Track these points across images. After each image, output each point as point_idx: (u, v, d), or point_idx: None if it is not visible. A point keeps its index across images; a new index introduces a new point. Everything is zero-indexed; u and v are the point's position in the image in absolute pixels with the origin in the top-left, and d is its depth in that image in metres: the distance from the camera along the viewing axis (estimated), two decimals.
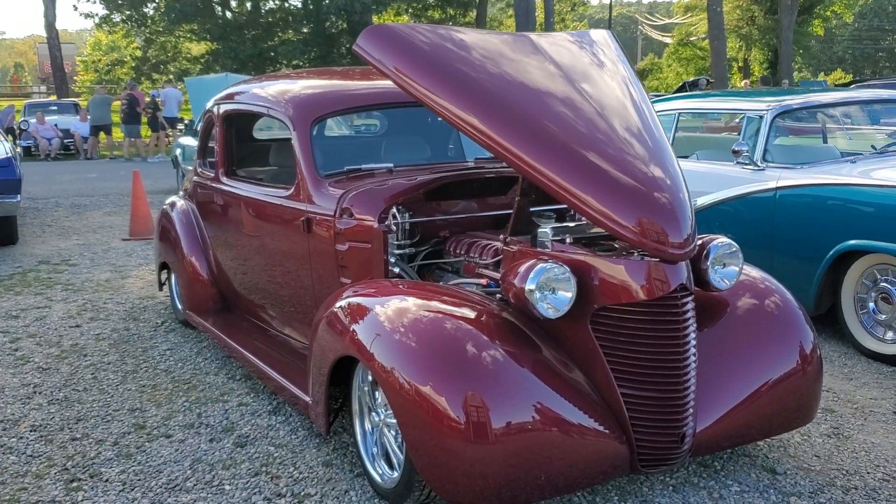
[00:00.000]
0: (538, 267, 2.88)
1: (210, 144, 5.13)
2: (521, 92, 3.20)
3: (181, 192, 5.73)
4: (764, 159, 5.46)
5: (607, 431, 2.88)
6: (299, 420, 3.94)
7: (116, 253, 8.30)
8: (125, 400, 4.26)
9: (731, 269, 3.24)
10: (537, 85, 3.25)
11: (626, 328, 2.90)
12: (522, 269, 2.95)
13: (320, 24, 32.11)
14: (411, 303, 3.12)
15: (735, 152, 5.54)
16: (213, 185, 4.80)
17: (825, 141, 6.75)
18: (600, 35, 3.73)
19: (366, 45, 3.30)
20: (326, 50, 31.48)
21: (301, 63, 31.95)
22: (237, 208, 4.54)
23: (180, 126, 20.93)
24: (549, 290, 2.90)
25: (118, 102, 21.14)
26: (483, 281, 3.40)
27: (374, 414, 3.22)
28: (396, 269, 3.65)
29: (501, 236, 3.31)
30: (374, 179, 3.90)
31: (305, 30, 32.71)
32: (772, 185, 5.29)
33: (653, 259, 2.85)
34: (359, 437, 3.35)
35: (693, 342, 2.92)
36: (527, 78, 3.26)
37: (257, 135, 5.45)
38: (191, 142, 12.10)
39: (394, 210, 3.60)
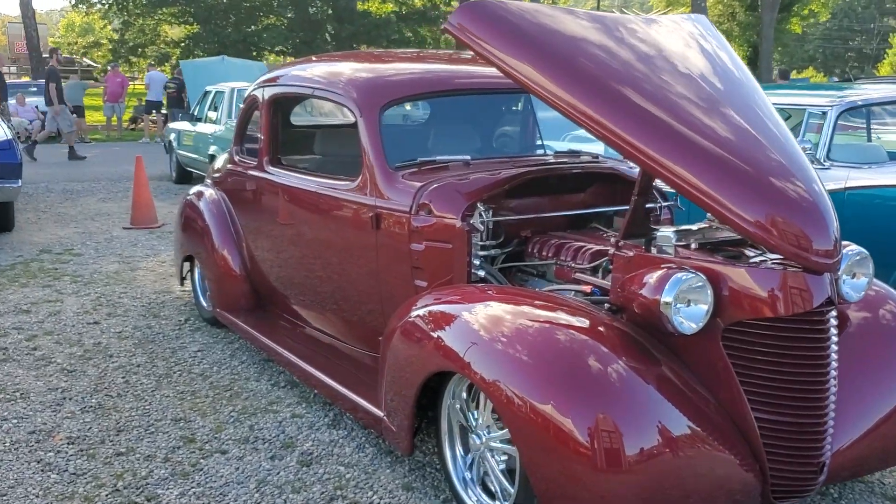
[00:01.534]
0: (675, 276, 2.57)
1: (248, 131, 4.76)
2: (640, 80, 2.87)
3: (208, 181, 5.34)
4: (828, 158, 5.20)
5: (740, 459, 2.59)
6: (364, 435, 3.60)
7: (120, 242, 7.86)
8: (165, 408, 3.90)
9: (862, 279, 2.96)
10: (655, 72, 2.93)
11: (762, 346, 2.60)
12: (653, 278, 2.64)
13: (304, 9, 31.52)
14: (516, 311, 2.81)
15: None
16: (255, 173, 4.43)
17: (869, 139, 6.52)
18: (702, 20, 3.42)
19: (464, 23, 2.96)
20: (311, 35, 30.87)
21: (285, 49, 31.35)
22: (284, 200, 4.18)
23: (164, 110, 20.41)
24: (685, 302, 2.59)
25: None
26: (587, 288, 3.09)
27: (473, 437, 2.89)
28: (481, 273, 3.33)
29: (613, 239, 2.99)
30: (450, 173, 3.56)
31: (290, 14, 32.07)
32: (840, 185, 5.03)
33: (797, 269, 2.56)
34: (448, 461, 3.03)
35: (835, 363, 2.63)
36: (644, 65, 2.95)
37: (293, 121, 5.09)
38: (186, 126, 11.64)
39: (480, 207, 3.27)
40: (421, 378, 2.94)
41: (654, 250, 2.87)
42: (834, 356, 2.62)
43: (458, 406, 2.99)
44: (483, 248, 3.34)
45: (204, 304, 5.28)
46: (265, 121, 4.30)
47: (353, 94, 3.70)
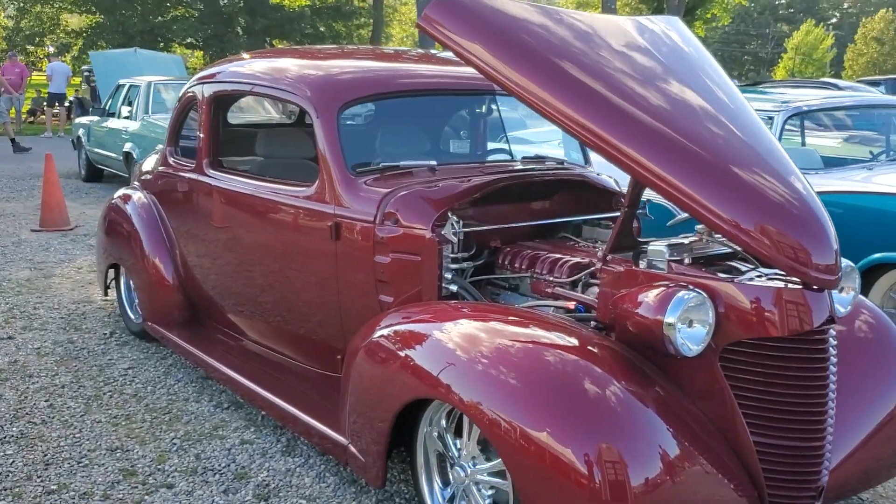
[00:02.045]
0: (679, 295, 2.41)
1: (184, 131, 4.41)
2: (626, 84, 2.72)
3: (136, 183, 4.95)
4: None
5: (738, 486, 2.46)
6: (322, 462, 3.34)
7: (30, 246, 7.31)
8: (98, 436, 3.54)
9: (850, 293, 2.88)
10: (642, 77, 2.78)
11: (760, 366, 2.47)
12: (653, 297, 2.47)
13: (215, 1, 30.54)
14: (503, 331, 2.62)
15: None
16: (193, 176, 4.08)
17: (803, 144, 6.58)
18: (675, 21, 3.29)
19: (439, 18, 2.75)
20: (222, 28, 29.90)
21: (195, 42, 30.36)
22: (228, 206, 3.86)
23: (67, 103, 19.41)
24: (686, 322, 2.44)
25: None
26: (570, 304, 2.91)
27: (456, 469, 2.67)
28: (453, 287, 3.11)
29: (600, 253, 2.82)
30: (416, 179, 3.34)
31: (200, 6, 31.00)
32: None
33: (797, 285, 2.44)
34: (425, 495, 2.81)
35: (833, 383, 2.53)
36: (629, 68, 2.79)
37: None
38: (96, 121, 11.01)
39: (452, 217, 3.05)
40: (397, 406, 2.71)
41: (642, 265, 2.71)
42: (833, 376, 2.52)
43: (435, 434, 2.77)
44: (454, 260, 3.13)
45: (132, 315, 4.90)
46: (205, 120, 3.97)
47: (308, 92, 3.42)
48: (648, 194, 4.32)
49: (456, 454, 2.68)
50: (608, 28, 2.98)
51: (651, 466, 2.29)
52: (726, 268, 2.67)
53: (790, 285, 2.45)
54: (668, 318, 2.40)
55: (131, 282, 4.76)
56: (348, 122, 3.76)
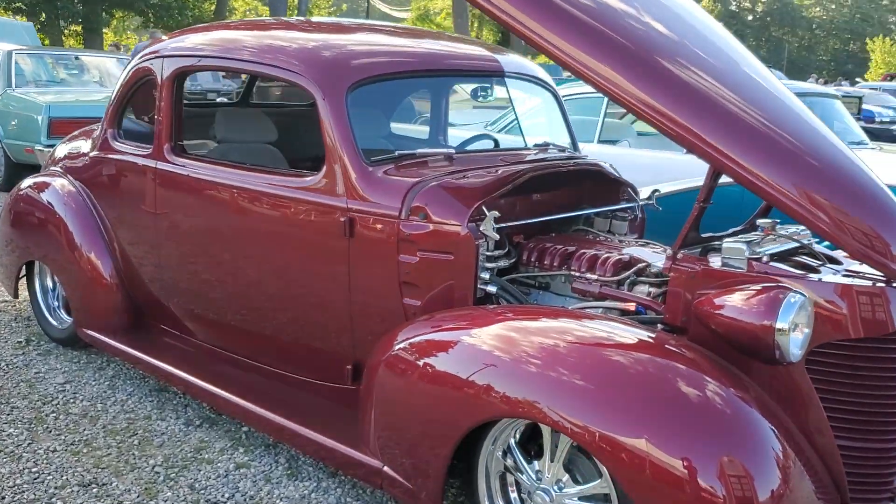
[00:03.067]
0: (790, 299, 2.26)
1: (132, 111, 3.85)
2: (700, 66, 2.55)
3: (54, 169, 4.31)
4: None
5: (828, 491, 2.38)
6: (336, 484, 2.99)
7: None
8: (62, 469, 3.02)
9: None
10: (712, 58, 2.64)
11: (847, 367, 2.39)
12: (757, 300, 2.31)
13: None
14: (578, 337, 2.40)
15: None
16: (149, 163, 3.55)
17: None
18: None
19: None
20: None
21: (22, 5, 27.79)
22: (199, 198, 3.38)
23: None
24: (794, 326, 2.30)
25: None
26: (630, 306, 2.71)
27: (540, 494, 2.40)
28: (492, 288, 2.84)
29: (671, 251, 2.63)
30: (435, 169, 3.04)
31: None
32: None
33: (882, 283, 2.37)
34: None
35: None
36: (700, 50, 2.64)
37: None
38: None
39: (493, 212, 2.78)
40: (464, 428, 2.43)
41: (715, 263, 2.56)
42: None
43: (499, 453, 2.51)
44: (489, 258, 2.86)
45: (52, 320, 4.29)
46: (166, 100, 3.45)
47: (312, 70, 3.02)
48: (657, 186, 4.21)
49: (533, 477, 2.42)
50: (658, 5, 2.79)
51: (772, 478, 2.16)
52: (796, 264, 2.57)
53: (878, 283, 2.37)
54: (780, 324, 2.24)
55: (58, 282, 4.15)
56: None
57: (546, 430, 2.37)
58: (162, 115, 3.48)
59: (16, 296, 4.48)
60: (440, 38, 3.66)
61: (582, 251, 2.94)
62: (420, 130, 5.01)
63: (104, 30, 30.88)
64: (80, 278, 3.96)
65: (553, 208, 3.18)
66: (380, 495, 2.92)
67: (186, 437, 3.32)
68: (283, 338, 3.25)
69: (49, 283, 4.37)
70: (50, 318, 4.31)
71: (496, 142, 3.80)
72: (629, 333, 2.43)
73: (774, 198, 2.38)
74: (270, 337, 3.29)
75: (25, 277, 4.42)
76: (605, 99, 6.05)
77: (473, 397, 2.40)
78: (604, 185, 3.41)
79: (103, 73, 9.86)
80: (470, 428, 2.42)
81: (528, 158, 3.31)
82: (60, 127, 7.79)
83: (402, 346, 2.70)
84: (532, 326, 2.51)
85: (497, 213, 2.78)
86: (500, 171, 3.03)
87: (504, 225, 2.85)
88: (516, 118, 3.67)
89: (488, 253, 2.84)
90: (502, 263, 2.89)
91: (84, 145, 4.13)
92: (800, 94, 5.82)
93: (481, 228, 2.78)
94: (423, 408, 2.55)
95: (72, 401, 3.62)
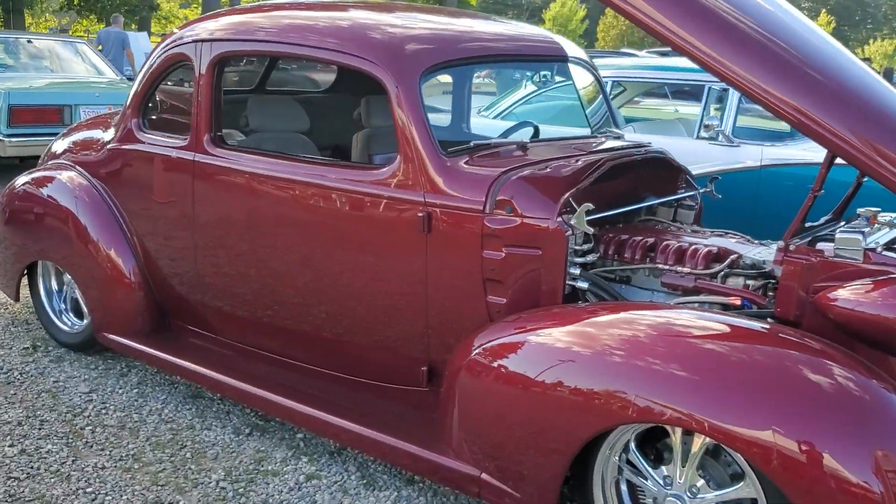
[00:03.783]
0: None
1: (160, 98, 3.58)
2: (811, 50, 2.49)
3: (63, 161, 4.00)
4: (734, 135, 5.20)
5: None
6: (416, 492, 2.85)
7: None
8: (119, 488, 2.80)
9: None
10: (813, 39, 2.58)
11: None
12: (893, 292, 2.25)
13: None
14: (690, 331, 2.36)
15: (706, 127, 5.21)
16: (186, 156, 3.30)
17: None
18: None
19: None
20: None
21: None
22: (250, 193, 3.15)
23: None
24: None
25: None
26: (735, 300, 2.62)
27: (670, 502, 2.30)
28: (582, 284, 2.73)
29: (781, 242, 2.56)
30: (513, 159, 2.90)
31: None
32: (756, 163, 5.05)
33: None
34: None
35: None
36: (803, 31, 2.57)
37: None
38: None
39: (588, 206, 2.66)
40: (583, 437, 2.32)
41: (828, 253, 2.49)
42: None
43: (615, 458, 2.41)
44: (579, 253, 2.74)
45: (61, 324, 4.00)
46: (206, 88, 3.21)
47: (383, 55, 2.83)
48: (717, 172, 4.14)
49: (661, 483, 2.32)
50: None
51: None
52: None
53: None
54: None
55: (75, 284, 3.86)
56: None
57: (676, 433, 2.27)
58: (201, 103, 3.23)
59: (17, 299, 4.17)
60: (491, 20, 3.49)
61: (665, 242, 2.85)
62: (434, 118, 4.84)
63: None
64: (99, 279, 3.70)
65: (621, 198, 3.08)
66: (465, 502, 2.78)
67: (240, 447, 3.12)
68: (349, 339, 3.07)
69: (54, 285, 4.08)
70: (58, 322, 4.02)
71: (536, 129, 3.67)
72: (749, 327, 2.36)
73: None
74: (333, 339, 3.11)
75: (27, 280, 4.11)
76: (609, 84, 5.98)
77: (594, 404, 2.29)
78: (664, 173, 3.33)
79: (55, 59, 9.36)
80: (592, 436, 2.31)
81: (599, 147, 3.19)
82: (21, 115, 7.37)
83: (494, 347, 2.58)
84: (643, 324, 2.41)
85: (591, 205, 2.67)
86: (580, 161, 2.92)
87: (591, 217, 2.73)
88: (581, 104, 3.55)
89: (576, 247, 2.73)
90: (590, 258, 2.78)
91: (98, 136, 3.85)
92: None
93: (572, 222, 2.66)
94: (530, 415, 2.42)
95: (103, 412, 3.37)
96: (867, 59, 22.67)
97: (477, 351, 2.61)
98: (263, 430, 3.26)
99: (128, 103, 3.59)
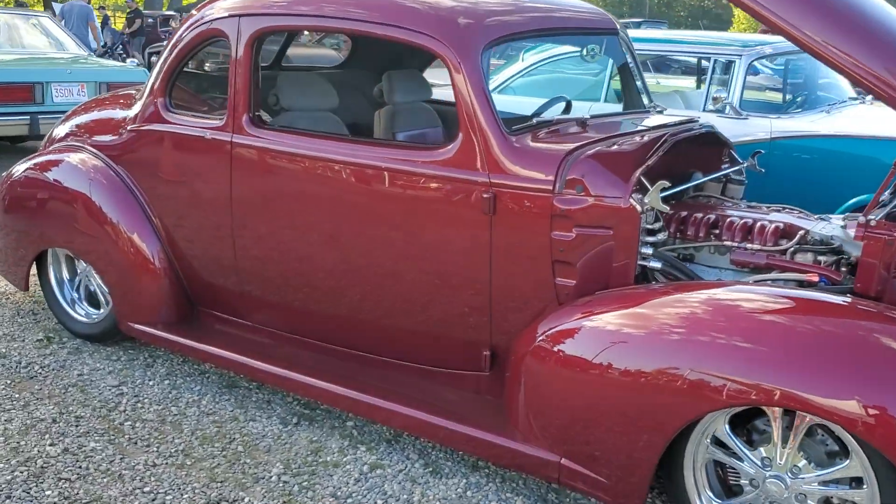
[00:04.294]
0: None
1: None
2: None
3: (74, 142, 3.80)
4: (741, 108, 5.20)
5: None
6: (484, 478, 2.78)
7: None
8: (177, 486, 2.68)
9: None
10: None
11: None
12: None
13: None
14: (779, 308, 2.35)
15: (715, 99, 5.20)
16: (219, 136, 3.15)
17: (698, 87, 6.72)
18: None
19: None
20: None
21: None
22: (292, 175, 3.02)
23: None
24: None
25: None
26: (813, 277, 2.60)
27: (771, 483, 2.27)
28: (655, 264, 2.68)
29: (863, 217, 2.53)
30: (575, 137, 2.83)
31: None
32: (766, 135, 5.06)
33: None
34: None
35: None
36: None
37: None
38: None
39: (664, 182, 2.61)
40: (677, 423, 2.29)
41: None
42: None
43: (707, 441, 2.37)
44: (651, 232, 2.69)
45: (75, 314, 3.83)
46: (244, 65, 3.05)
47: (445, 29, 2.72)
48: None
49: (759, 464, 2.29)
50: None
51: None
52: None
53: None
54: None
55: (95, 272, 3.68)
56: None
57: (775, 413, 2.24)
58: (238, 82, 3.08)
59: (26, 288, 3.97)
60: None
61: (730, 219, 2.82)
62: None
63: None
64: (122, 265, 3.53)
65: (674, 173, 3.03)
66: (535, 486, 2.73)
67: (292, 437, 3.02)
68: (406, 325, 2.98)
69: (65, 274, 3.90)
70: (72, 312, 3.84)
71: (569, 103, 3.59)
72: (837, 302, 2.34)
73: None
74: (389, 324, 3.01)
75: (36, 269, 3.92)
76: (610, 60, 5.91)
77: (690, 388, 2.25)
78: (711, 148, 3.30)
79: (16, 33, 8.95)
80: (690, 421, 2.27)
81: (655, 122, 3.13)
82: None
83: (569, 329, 2.54)
84: (726, 304, 2.38)
85: (666, 183, 2.62)
86: (644, 137, 2.86)
87: (671, 191, 2.69)
88: (640, 79, 3.47)
89: (648, 226, 2.68)
90: (660, 237, 2.73)
91: (114, 117, 3.66)
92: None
93: (646, 200, 2.61)
94: (619, 402, 2.38)
95: (139, 405, 3.23)
96: None
97: (548, 335, 2.56)
98: (311, 419, 3.16)
99: (153, 82, 3.41)
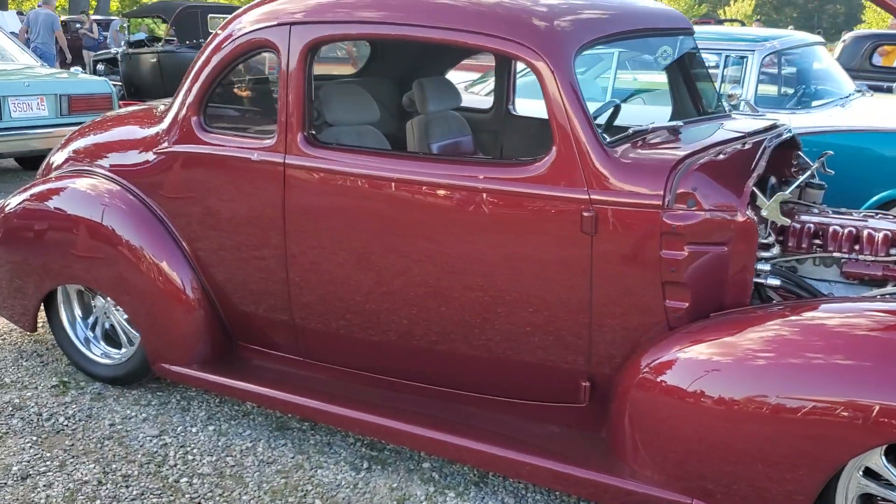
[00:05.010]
0: None
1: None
2: None
3: (84, 167, 3.44)
4: (756, 104, 5.10)
5: None
6: None
7: None
8: None
9: None
10: None
11: None
12: None
13: None
14: None
15: (729, 96, 5.08)
16: (269, 157, 2.85)
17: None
18: None
19: None
20: None
21: None
22: (361, 197, 2.73)
23: None
24: None
25: None
26: None
27: None
28: (774, 281, 2.50)
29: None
30: (675, 147, 2.63)
31: None
32: None
33: None
34: None
35: None
36: None
37: None
38: None
39: (783, 193, 2.43)
40: (840, 460, 2.11)
41: None
42: None
43: (858, 473, 2.20)
44: (766, 246, 2.52)
45: (94, 356, 3.48)
46: (297, 79, 2.77)
47: (535, 37, 2.49)
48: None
49: None
50: None
51: None
52: None
53: None
54: None
55: (113, 308, 3.34)
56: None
57: None
58: (291, 97, 2.79)
59: (34, 330, 3.60)
60: None
61: (832, 228, 2.66)
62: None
63: None
64: (151, 299, 3.20)
65: (763, 181, 2.87)
66: None
67: (369, 486, 2.75)
68: (495, 356, 2.73)
69: (77, 312, 3.55)
70: (89, 354, 3.49)
71: (618, 107, 3.40)
72: None
73: None
74: (473, 356, 2.76)
75: (44, 310, 3.56)
76: (616, 54, 5.76)
77: (859, 420, 2.06)
78: (787, 152, 3.15)
79: None
80: (856, 455, 2.10)
81: (747, 128, 2.95)
82: None
83: (692, 358, 2.34)
84: (867, 323, 2.24)
85: (786, 194, 2.44)
86: (746, 145, 2.68)
87: (785, 200, 2.52)
88: (712, 82, 3.29)
89: (765, 241, 2.50)
90: (774, 251, 2.56)
91: (132, 138, 3.32)
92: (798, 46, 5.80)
93: (763, 213, 2.43)
94: (765, 440, 2.18)
95: (189, 457, 2.92)
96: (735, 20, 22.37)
97: (669, 364, 2.36)
98: (382, 462, 2.90)
99: (184, 99, 3.08)
